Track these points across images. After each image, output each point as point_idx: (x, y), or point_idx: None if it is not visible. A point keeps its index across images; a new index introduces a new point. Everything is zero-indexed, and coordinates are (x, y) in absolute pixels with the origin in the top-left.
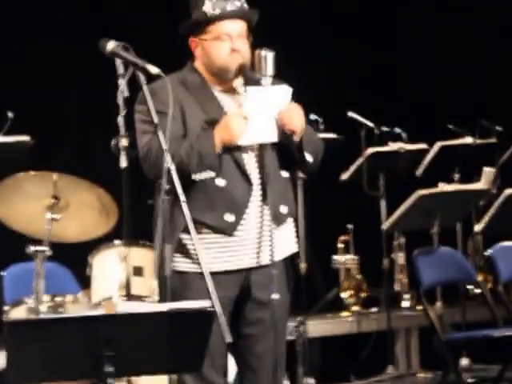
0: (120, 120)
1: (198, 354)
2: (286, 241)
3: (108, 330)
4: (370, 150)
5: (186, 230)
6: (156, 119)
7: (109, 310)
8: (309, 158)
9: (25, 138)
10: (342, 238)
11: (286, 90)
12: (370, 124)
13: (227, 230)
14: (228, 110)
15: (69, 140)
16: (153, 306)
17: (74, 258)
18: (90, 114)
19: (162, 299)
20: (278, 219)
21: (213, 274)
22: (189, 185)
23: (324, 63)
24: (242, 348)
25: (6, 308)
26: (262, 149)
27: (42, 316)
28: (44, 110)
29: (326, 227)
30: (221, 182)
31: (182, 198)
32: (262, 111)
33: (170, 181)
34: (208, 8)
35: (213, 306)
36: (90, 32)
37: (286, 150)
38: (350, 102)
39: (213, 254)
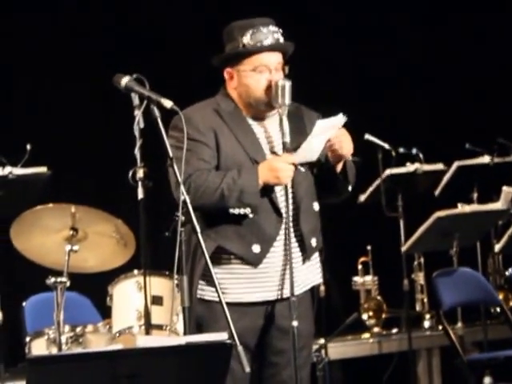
0: (137, 151)
1: None
2: (311, 272)
3: (126, 364)
4: (388, 172)
5: (212, 260)
6: (173, 153)
7: (128, 344)
8: (349, 186)
9: (42, 169)
10: (362, 259)
11: (340, 119)
12: (387, 146)
13: (253, 261)
14: (259, 137)
15: (86, 171)
16: (171, 340)
17: (95, 288)
18: (107, 145)
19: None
20: (307, 253)
21: (239, 304)
22: (218, 213)
23: (341, 87)
24: (269, 376)
25: (27, 339)
26: (294, 180)
27: (61, 352)
28: (61, 142)
29: (344, 249)
30: (250, 214)
31: (198, 229)
32: (316, 138)
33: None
34: (248, 40)
35: (231, 338)
36: (108, 62)
37: (328, 178)
38: (366, 123)
39: (239, 285)
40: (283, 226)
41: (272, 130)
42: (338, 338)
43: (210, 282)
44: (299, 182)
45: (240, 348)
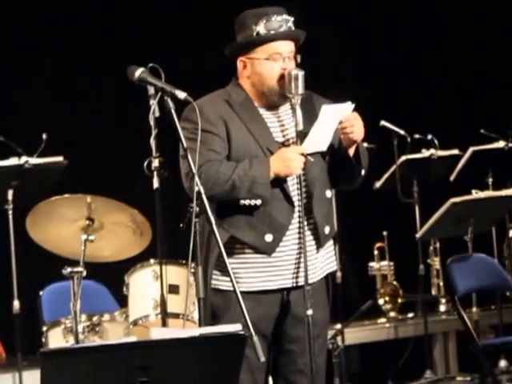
0: (152, 141)
1: (231, 377)
2: (325, 260)
3: (141, 356)
4: (403, 158)
5: (226, 250)
6: (186, 144)
7: (142, 334)
8: (362, 171)
9: (58, 158)
10: (378, 244)
11: (349, 106)
12: (402, 132)
13: (267, 250)
14: (272, 126)
15: (102, 161)
16: (184, 332)
17: (111, 277)
18: (123, 134)
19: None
20: (321, 241)
21: (253, 292)
22: (230, 204)
23: (355, 72)
24: (284, 364)
25: (43, 329)
26: (306, 168)
27: (75, 345)
28: (77, 132)
29: (360, 235)
30: (262, 203)
31: (213, 220)
32: (323, 125)
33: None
34: (261, 28)
35: (246, 328)
36: (124, 52)
37: (341, 164)
38: (381, 110)
39: (253, 274)
40: (296, 215)
41: (285, 118)
42: (355, 323)
43: (225, 271)
44: (311, 170)
45: (255, 338)
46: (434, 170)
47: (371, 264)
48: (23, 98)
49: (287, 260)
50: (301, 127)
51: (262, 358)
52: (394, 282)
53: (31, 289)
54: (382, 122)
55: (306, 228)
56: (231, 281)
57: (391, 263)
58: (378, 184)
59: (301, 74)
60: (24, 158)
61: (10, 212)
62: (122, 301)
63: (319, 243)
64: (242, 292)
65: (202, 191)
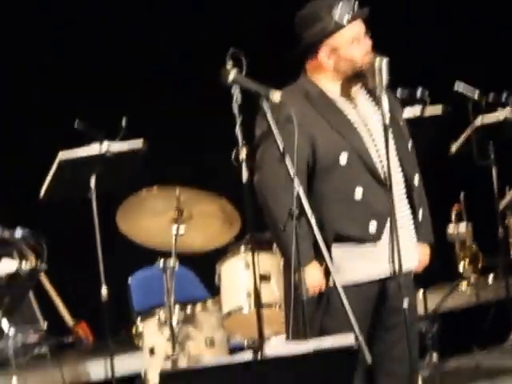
0: (237, 129)
1: None
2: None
3: (256, 373)
4: (478, 121)
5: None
6: (282, 146)
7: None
8: None
9: (138, 142)
10: (455, 207)
11: None
12: (476, 96)
13: (373, 239)
14: (352, 118)
15: (185, 148)
16: (298, 347)
17: (195, 263)
18: (207, 123)
19: (300, 325)
20: (417, 225)
21: (357, 285)
22: (329, 199)
23: (426, 34)
24: (379, 353)
25: (138, 320)
26: (401, 153)
27: (194, 366)
28: (158, 119)
29: (437, 200)
30: (359, 194)
31: (313, 220)
32: None
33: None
34: (338, 15)
35: (356, 338)
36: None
37: None
38: (455, 70)
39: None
40: (394, 200)
41: (363, 108)
42: (435, 291)
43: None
44: (400, 151)
45: (361, 338)
46: (509, 130)
47: (449, 229)
48: (104, 84)
49: (389, 248)
50: (387, 120)
51: (369, 360)
52: (474, 246)
53: (119, 274)
54: (456, 86)
55: (406, 214)
56: (333, 279)
57: (469, 224)
58: (453, 148)
59: (384, 62)
60: (105, 144)
61: (94, 199)
62: (210, 286)
63: (416, 228)
64: (344, 286)
65: (301, 193)
